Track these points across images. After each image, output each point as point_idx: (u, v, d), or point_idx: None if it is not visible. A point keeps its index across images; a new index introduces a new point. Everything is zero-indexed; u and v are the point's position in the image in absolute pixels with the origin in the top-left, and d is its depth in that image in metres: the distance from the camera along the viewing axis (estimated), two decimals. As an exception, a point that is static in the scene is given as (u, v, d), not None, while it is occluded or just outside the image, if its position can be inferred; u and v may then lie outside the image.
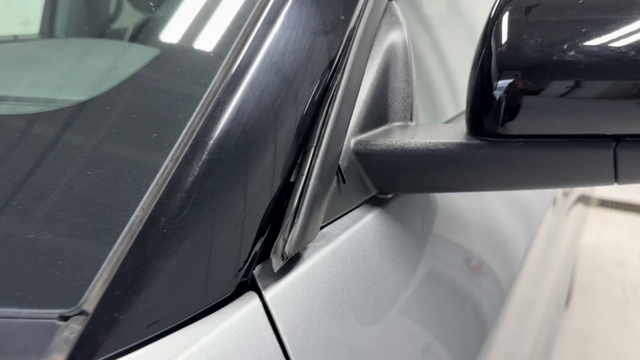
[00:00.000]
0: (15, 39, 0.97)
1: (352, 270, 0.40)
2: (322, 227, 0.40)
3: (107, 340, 0.27)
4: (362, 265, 0.42)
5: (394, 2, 0.53)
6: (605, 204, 3.92)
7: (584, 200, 1.95)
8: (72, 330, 0.27)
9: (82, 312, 0.27)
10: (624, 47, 0.39)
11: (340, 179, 0.43)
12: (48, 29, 1.00)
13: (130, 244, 0.29)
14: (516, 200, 0.73)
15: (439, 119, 0.75)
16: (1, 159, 0.34)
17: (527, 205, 0.77)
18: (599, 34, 0.40)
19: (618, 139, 0.42)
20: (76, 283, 0.28)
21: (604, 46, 0.40)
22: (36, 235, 0.30)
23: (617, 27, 0.40)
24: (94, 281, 0.28)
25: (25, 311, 0.28)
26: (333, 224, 0.42)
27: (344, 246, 0.41)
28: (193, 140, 0.33)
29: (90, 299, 0.28)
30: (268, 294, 0.33)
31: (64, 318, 0.27)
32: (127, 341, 0.28)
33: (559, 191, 1.09)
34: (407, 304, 0.44)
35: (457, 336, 0.50)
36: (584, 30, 0.40)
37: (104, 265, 0.28)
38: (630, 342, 2.34)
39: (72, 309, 0.27)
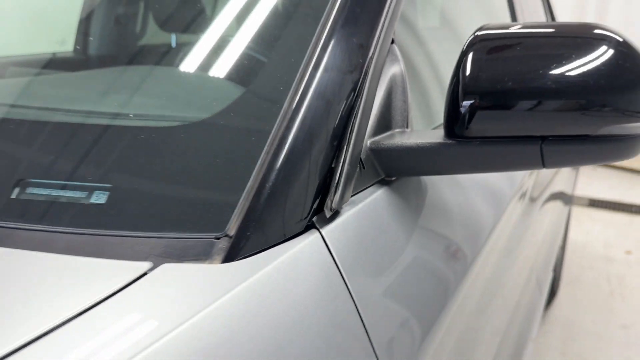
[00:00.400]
0: (54, 56, 1.17)
1: (369, 222, 0.63)
2: (351, 196, 0.63)
3: (241, 250, 0.50)
4: (375, 220, 0.65)
5: (394, 45, 0.76)
6: (595, 203, 4.13)
7: (562, 198, 2.16)
8: (223, 244, 0.50)
9: (227, 235, 0.50)
10: (545, 80, 0.62)
11: (361, 166, 0.66)
12: (82, 47, 1.22)
13: (250, 198, 0.52)
14: (485, 186, 0.96)
15: (432, 124, 0.99)
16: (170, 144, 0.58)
17: (495, 190, 1.00)
18: (529, 72, 0.62)
19: (543, 138, 0.64)
20: (224, 218, 0.51)
21: (532, 79, 0.62)
22: (198, 190, 0.53)
23: (540, 68, 0.62)
24: (232, 218, 0.51)
25: (197, 234, 0.51)
26: (357, 194, 0.65)
27: (364, 208, 0.64)
28: (277, 142, 0.56)
29: (231, 228, 0.50)
30: (324, 231, 0.56)
31: (218, 238, 0.50)
32: (250, 251, 0.51)
33: (529, 185, 1.31)
34: (401, 241, 0.68)
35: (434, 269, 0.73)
36: (518, 69, 0.63)
37: (235, 210, 0.52)
38: (614, 328, 2.53)
39: (221, 233, 0.50)
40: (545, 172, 1.64)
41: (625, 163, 4.89)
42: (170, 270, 0.47)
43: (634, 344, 2.42)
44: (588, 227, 3.70)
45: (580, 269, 3.11)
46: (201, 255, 0.49)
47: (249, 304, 0.46)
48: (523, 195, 1.21)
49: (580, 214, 3.84)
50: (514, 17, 1.61)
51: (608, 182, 4.54)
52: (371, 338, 0.56)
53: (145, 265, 0.47)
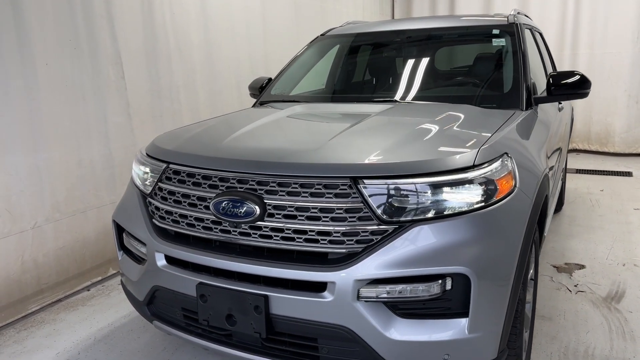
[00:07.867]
0: (321, 90, 3.58)
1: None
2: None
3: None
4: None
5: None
6: (580, 171, 6.37)
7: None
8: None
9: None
10: None
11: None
12: (328, 87, 3.60)
13: None
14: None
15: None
16: None
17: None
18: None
19: None
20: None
21: None
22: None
23: None
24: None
25: None
26: None
27: None
28: None
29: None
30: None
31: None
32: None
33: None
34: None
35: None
36: None
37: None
38: (593, 217, 4.69)
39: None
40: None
41: (596, 149, 7.18)
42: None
43: (599, 219, 4.58)
44: (577, 182, 5.92)
45: (574, 197, 5.31)
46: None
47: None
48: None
49: (571, 177, 6.07)
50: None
51: (587, 161, 6.81)
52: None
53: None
